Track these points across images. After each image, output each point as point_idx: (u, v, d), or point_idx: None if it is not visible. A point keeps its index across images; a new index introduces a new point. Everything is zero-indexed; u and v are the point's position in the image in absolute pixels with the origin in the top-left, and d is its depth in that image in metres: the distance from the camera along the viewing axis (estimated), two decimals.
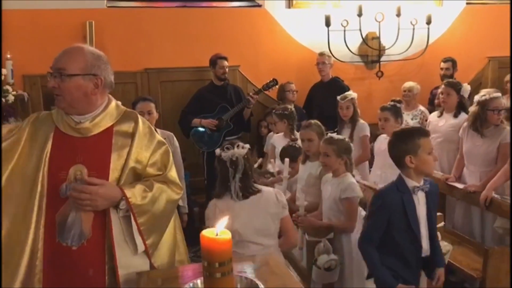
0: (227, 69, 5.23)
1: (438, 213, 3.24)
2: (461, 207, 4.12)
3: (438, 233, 3.04)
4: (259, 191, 2.70)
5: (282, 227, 2.75)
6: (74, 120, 2.05)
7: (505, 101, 4.04)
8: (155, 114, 3.85)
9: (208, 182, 5.35)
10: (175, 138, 3.96)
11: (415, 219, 2.49)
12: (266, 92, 5.37)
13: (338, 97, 4.62)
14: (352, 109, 4.59)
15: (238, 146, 2.66)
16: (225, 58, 5.22)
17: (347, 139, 3.25)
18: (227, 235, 1.42)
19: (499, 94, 3.93)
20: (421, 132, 2.58)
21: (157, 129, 3.90)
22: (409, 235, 2.50)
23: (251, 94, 5.23)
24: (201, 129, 5.13)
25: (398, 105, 4.20)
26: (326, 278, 2.96)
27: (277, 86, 5.33)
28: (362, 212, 3.19)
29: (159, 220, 2.10)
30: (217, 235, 1.42)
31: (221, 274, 1.41)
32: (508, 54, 6.42)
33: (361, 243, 2.62)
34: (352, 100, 4.59)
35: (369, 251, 2.56)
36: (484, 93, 3.97)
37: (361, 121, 4.62)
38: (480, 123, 3.88)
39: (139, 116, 2.18)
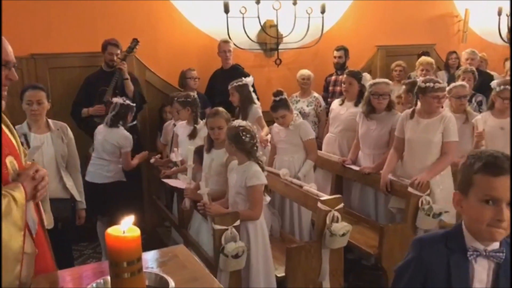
0: (116, 57, 4.90)
1: (337, 195, 3.41)
2: (357, 188, 4.35)
3: (338, 214, 3.20)
4: (119, 127, 4.27)
5: (121, 155, 4.30)
6: None
7: (392, 88, 4.30)
8: (46, 104, 3.56)
9: None
10: (69, 129, 3.71)
11: None
12: (133, 54, 5.10)
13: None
14: (237, 96, 4.65)
15: (123, 99, 4.37)
16: (116, 45, 4.90)
17: (242, 127, 3.16)
18: (135, 232, 1.33)
19: (382, 80, 4.20)
20: (486, 165, 1.55)
21: (49, 120, 3.64)
22: None
23: (117, 61, 4.88)
24: (90, 121, 4.80)
25: (283, 96, 4.21)
26: (234, 265, 2.96)
27: (139, 44, 5.02)
28: (267, 198, 3.23)
29: None
30: (124, 232, 1.33)
31: (130, 274, 1.33)
32: (395, 43, 6.93)
33: None
34: (236, 87, 4.64)
35: None
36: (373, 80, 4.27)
37: (254, 105, 4.70)
38: (367, 107, 4.15)
39: None
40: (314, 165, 4.34)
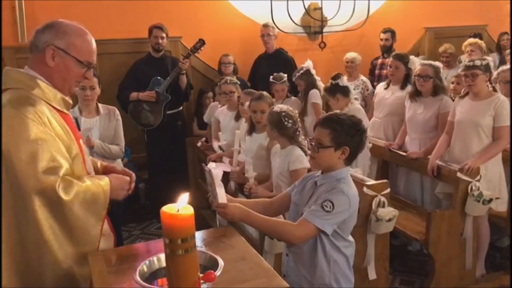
0: (161, 40, 4.97)
1: (384, 180, 3.36)
2: (403, 174, 4.27)
3: (385, 199, 3.16)
4: None
5: None
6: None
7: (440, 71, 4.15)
8: (98, 89, 3.67)
9: (149, 158, 5.23)
10: (117, 112, 3.80)
11: None
12: (196, 54, 5.14)
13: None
14: (303, 84, 4.63)
15: None
16: (161, 28, 4.96)
17: (285, 112, 3.12)
18: (189, 210, 1.37)
19: (427, 62, 4.07)
20: None
21: (99, 104, 3.74)
22: None
23: (181, 59, 5.00)
24: (137, 106, 4.92)
25: (339, 82, 4.13)
26: (280, 248, 2.98)
27: (205, 46, 5.06)
28: None
29: None
30: (178, 210, 1.37)
31: (184, 250, 1.37)
32: (444, 24, 6.69)
33: None
34: (299, 76, 4.63)
35: None
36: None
37: (313, 90, 4.62)
38: (413, 89, 4.08)
39: None
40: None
